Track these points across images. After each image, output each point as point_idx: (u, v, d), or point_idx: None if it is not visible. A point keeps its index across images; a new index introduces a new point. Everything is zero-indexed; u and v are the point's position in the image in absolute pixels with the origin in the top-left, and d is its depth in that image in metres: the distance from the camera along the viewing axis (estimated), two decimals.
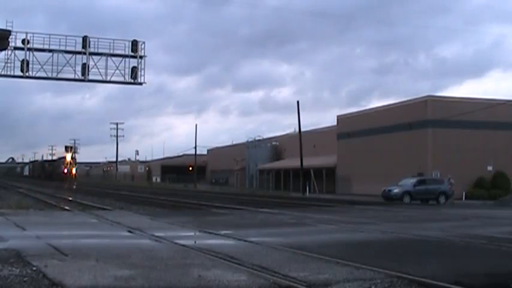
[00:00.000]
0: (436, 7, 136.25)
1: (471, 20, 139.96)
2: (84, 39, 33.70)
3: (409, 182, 36.38)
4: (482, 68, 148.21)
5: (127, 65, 34.23)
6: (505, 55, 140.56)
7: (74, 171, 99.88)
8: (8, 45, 30.20)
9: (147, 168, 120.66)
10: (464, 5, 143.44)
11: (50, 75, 33.24)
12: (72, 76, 33.75)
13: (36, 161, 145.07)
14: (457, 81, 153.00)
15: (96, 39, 34.23)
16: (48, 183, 79.92)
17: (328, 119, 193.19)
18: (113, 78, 34.22)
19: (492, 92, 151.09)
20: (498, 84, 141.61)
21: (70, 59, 33.38)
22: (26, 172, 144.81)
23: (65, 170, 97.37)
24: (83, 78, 33.67)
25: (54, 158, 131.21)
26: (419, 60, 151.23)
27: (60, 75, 33.59)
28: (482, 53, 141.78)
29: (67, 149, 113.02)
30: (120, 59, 34.22)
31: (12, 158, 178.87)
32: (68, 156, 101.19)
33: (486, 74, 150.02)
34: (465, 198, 39.95)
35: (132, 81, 34.56)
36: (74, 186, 64.97)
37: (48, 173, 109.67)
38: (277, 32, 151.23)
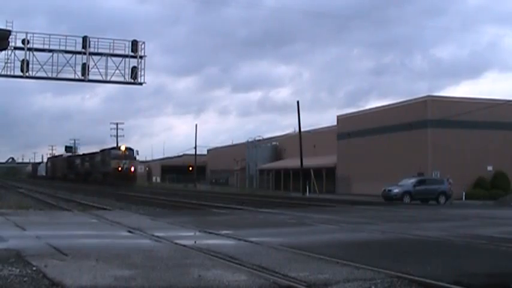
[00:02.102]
0: (431, 9, 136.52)
1: (467, 21, 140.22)
2: (84, 39, 33.71)
3: (409, 182, 36.39)
4: (478, 68, 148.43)
5: (127, 65, 34.26)
6: (500, 56, 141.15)
7: (132, 168, 68.93)
8: (8, 45, 30.17)
9: (147, 168, 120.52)
10: (460, 7, 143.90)
11: (50, 75, 33.25)
12: (72, 76, 33.76)
13: (61, 155, 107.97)
14: (453, 82, 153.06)
15: (96, 39, 34.25)
16: (93, 187, 54.15)
17: (326, 120, 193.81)
18: (113, 78, 34.23)
19: (488, 92, 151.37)
20: (494, 84, 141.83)
21: (70, 59, 33.40)
22: (42, 171, 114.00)
23: (120, 168, 66.05)
24: (83, 78, 33.66)
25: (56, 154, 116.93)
26: (416, 61, 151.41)
27: (60, 75, 33.60)
28: (478, 54, 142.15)
29: (67, 149, 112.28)
30: (120, 59, 34.22)
31: (12, 158, 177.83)
32: (123, 147, 70.61)
33: (482, 75, 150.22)
34: (465, 198, 39.97)
35: (132, 81, 34.56)
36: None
37: (84, 171, 79.26)
38: (275, 33, 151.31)
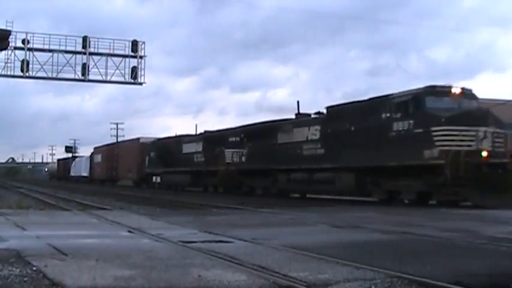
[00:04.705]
0: (426, 11, 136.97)
1: (461, 23, 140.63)
2: (84, 39, 33.77)
3: None
4: (473, 70, 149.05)
5: (127, 65, 34.38)
6: (494, 57, 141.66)
7: None
8: (8, 45, 30.23)
9: None
10: (454, 9, 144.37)
11: (50, 75, 33.34)
12: (72, 76, 33.89)
13: (137, 139, 58.69)
14: (449, 82, 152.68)
15: (96, 39, 34.38)
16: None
17: None
18: (113, 78, 34.32)
19: (484, 93, 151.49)
20: (489, 86, 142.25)
21: (70, 59, 33.53)
22: (81, 171, 78.43)
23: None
24: (83, 78, 33.75)
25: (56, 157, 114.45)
26: (412, 62, 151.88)
27: (60, 75, 33.73)
28: (473, 56, 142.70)
29: (67, 149, 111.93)
30: (120, 59, 34.30)
31: (13, 158, 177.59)
32: (457, 89, 25.65)
33: (477, 76, 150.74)
34: None
35: (132, 81, 34.64)
36: None
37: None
38: (272, 34, 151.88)
